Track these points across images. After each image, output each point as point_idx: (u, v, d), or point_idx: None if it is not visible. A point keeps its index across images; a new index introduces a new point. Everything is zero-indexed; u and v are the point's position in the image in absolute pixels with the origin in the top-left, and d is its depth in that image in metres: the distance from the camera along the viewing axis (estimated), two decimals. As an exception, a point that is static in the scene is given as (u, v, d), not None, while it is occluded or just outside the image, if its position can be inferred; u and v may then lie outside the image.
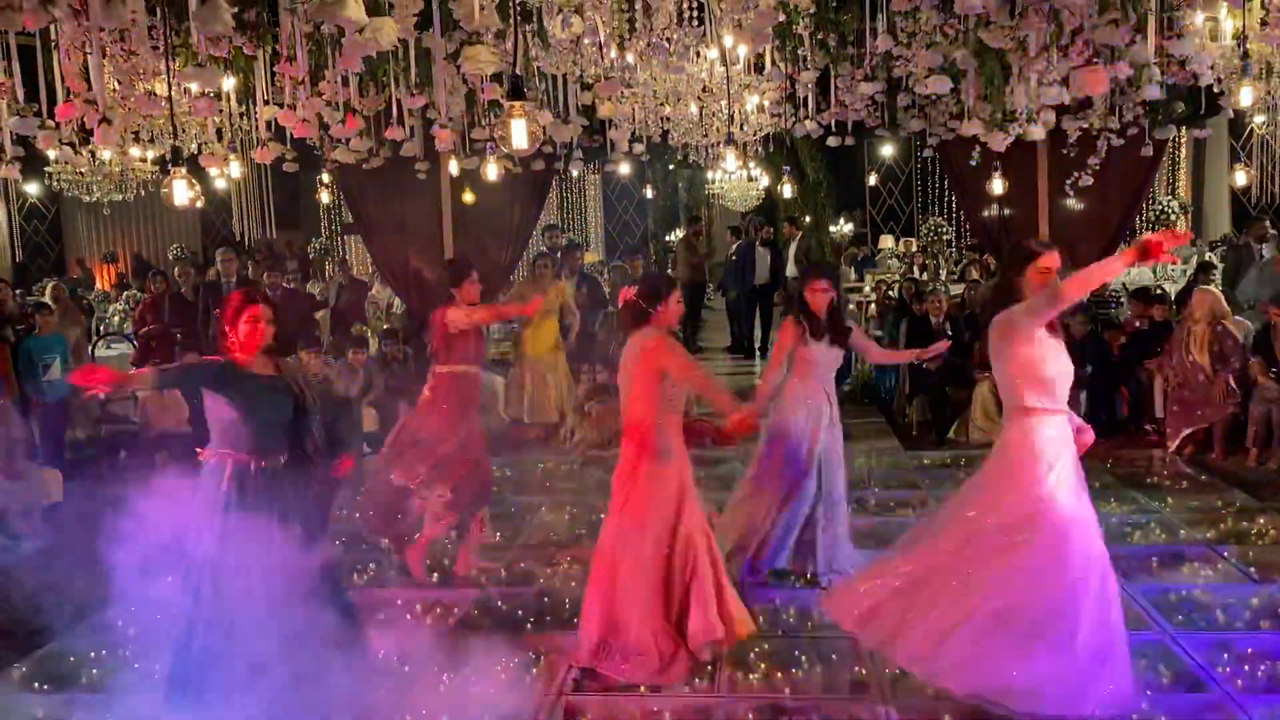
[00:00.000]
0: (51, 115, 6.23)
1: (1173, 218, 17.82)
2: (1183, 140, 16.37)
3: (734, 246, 14.11)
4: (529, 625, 5.17)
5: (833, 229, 17.46)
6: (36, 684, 4.67)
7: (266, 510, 4.02)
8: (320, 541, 4.26)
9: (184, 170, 5.17)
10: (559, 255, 10.72)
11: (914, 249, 17.78)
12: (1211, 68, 6.35)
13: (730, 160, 8.35)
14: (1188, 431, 8.31)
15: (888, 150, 18.80)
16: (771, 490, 5.60)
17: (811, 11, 6.43)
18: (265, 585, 3.98)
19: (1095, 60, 5.20)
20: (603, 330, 10.81)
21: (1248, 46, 6.05)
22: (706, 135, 9.28)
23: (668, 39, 5.54)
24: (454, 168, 8.88)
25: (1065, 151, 8.39)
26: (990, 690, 3.98)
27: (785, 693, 4.39)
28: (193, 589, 4.00)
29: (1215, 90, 7.13)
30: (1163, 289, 11.88)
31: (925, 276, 14.61)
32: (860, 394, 10.66)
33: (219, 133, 7.95)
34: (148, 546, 3.89)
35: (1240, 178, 11.17)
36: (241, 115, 7.84)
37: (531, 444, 9.39)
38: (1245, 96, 6.20)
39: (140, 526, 3.90)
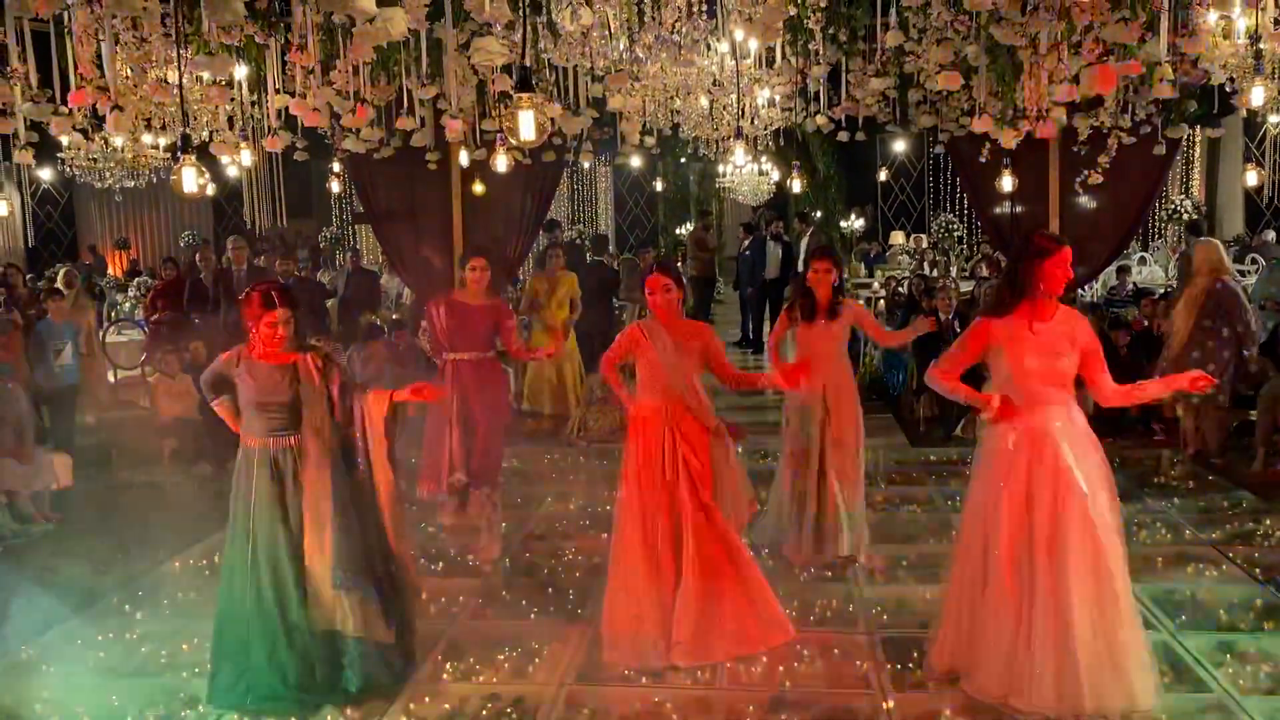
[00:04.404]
0: (65, 101, 6.25)
1: (1185, 216, 17.75)
2: (1197, 139, 16.27)
3: (745, 241, 14.10)
4: (533, 615, 5.20)
5: (843, 224, 17.43)
6: (44, 666, 4.71)
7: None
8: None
9: (193, 158, 5.17)
10: (568, 245, 10.74)
11: (924, 245, 17.73)
12: (1224, 67, 6.33)
13: (740, 154, 8.35)
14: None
15: (900, 146, 18.71)
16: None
17: (823, 6, 6.43)
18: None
19: (1106, 58, 5.18)
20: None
21: (1260, 46, 6.02)
22: (717, 129, 9.27)
23: (678, 32, 5.53)
24: (464, 158, 8.89)
25: (1076, 149, 8.34)
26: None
27: (786, 685, 4.41)
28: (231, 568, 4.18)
29: (1228, 89, 7.10)
30: (1172, 288, 11.83)
31: (935, 273, 14.56)
32: (868, 390, 10.64)
33: (230, 121, 7.97)
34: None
35: (1251, 178, 11.10)
36: (253, 104, 7.86)
37: (539, 434, 9.41)
38: (1256, 96, 6.17)
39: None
